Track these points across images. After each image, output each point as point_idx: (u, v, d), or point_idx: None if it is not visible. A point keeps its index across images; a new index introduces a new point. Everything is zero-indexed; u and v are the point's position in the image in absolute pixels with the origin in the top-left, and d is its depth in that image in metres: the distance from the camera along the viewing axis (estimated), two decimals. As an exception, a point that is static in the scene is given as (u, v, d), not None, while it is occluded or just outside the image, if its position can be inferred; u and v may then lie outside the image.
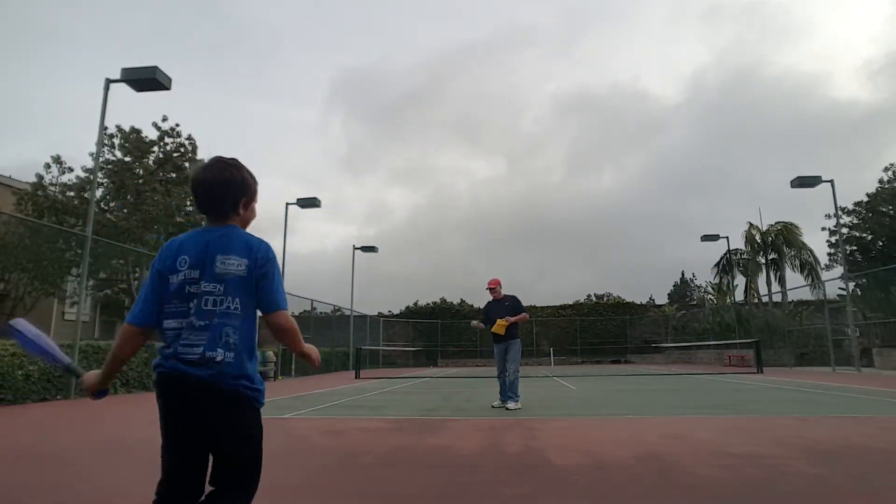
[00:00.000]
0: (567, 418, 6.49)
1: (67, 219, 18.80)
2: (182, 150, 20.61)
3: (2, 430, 6.00)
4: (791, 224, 29.50)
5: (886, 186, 29.54)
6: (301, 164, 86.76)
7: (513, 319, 7.66)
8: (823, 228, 31.75)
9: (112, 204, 20.14)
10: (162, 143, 20.31)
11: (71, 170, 19.96)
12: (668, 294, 51.09)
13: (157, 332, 1.71)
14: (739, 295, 30.98)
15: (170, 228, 19.61)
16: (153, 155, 20.25)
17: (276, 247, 1.77)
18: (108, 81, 10.86)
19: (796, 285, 28.22)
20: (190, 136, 20.79)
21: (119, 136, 19.76)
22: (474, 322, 8.41)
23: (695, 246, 36.09)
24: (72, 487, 3.27)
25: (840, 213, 26.08)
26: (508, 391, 7.48)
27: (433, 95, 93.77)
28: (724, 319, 27.45)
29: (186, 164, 20.67)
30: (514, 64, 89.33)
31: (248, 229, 1.82)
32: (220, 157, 1.79)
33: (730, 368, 20.89)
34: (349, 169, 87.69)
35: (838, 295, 21.25)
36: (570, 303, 36.82)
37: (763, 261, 30.11)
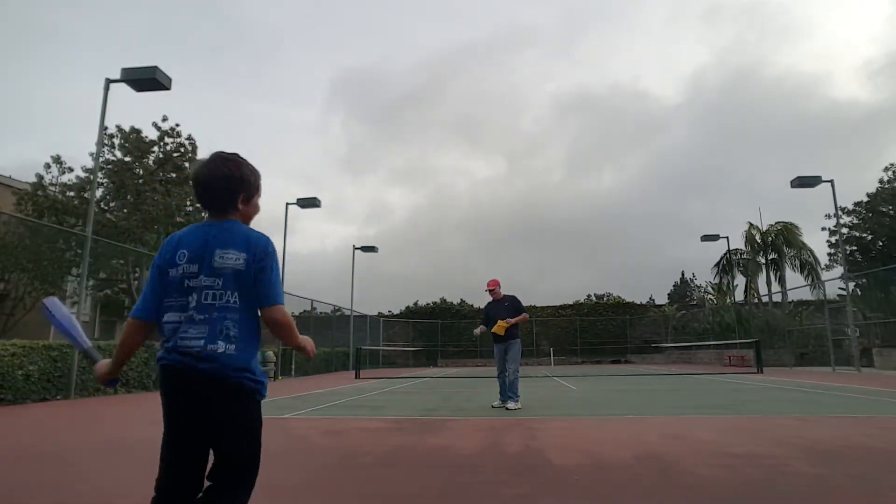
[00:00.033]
0: (567, 418, 6.49)
1: (67, 219, 18.81)
2: (182, 150, 20.63)
3: (2, 430, 6.00)
4: (791, 224, 29.51)
5: (886, 186, 29.54)
6: (301, 164, 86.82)
7: (513, 321, 7.66)
8: (823, 228, 31.80)
9: (112, 204, 20.15)
10: (162, 143, 20.33)
11: (71, 170, 19.99)
12: (668, 294, 51.13)
13: (157, 326, 1.73)
14: (739, 295, 31.03)
15: (170, 228, 19.62)
16: (153, 155, 20.27)
17: (277, 247, 1.76)
18: (108, 81, 10.87)
19: (796, 285, 28.26)
20: (190, 136, 20.83)
21: (119, 136, 19.78)
22: (476, 331, 8.33)
23: (695, 246, 36.13)
24: (72, 487, 3.27)
25: (840, 213, 26.11)
26: (508, 391, 7.48)
27: (433, 95, 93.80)
28: (724, 319, 27.44)
29: (186, 164, 20.68)
30: (514, 64, 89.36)
31: (252, 224, 1.83)
32: (220, 152, 1.80)
33: (730, 368, 20.88)
34: (349, 169, 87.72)
35: (838, 295, 21.27)
36: (570, 303, 36.81)
37: (763, 261, 30.11)
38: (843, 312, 18.97)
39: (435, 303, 37.46)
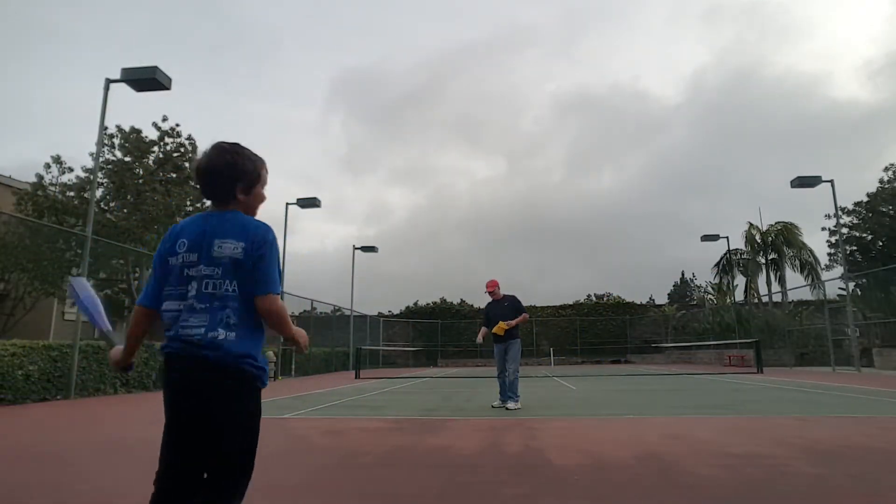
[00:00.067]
0: (567, 418, 6.49)
1: (67, 219, 18.81)
2: (182, 150, 20.62)
3: (2, 430, 6.00)
4: (791, 224, 29.50)
5: (886, 186, 29.53)
6: (301, 164, 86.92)
7: (513, 323, 7.66)
8: (823, 228, 31.78)
9: (112, 204, 20.15)
10: (162, 143, 20.32)
11: (71, 170, 19.99)
12: (668, 294, 51.13)
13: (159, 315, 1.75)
14: (739, 295, 31.02)
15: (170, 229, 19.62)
16: (153, 155, 20.26)
17: (277, 246, 1.76)
18: (108, 81, 10.86)
19: (796, 285, 28.25)
20: (190, 136, 20.82)
21: (119, 136, 19.77)
22: (479, 338, 8.25)
23: (695, 246, 36.12)
24: (72, 487, 3.27)
25: (840, 213, 26.09)
26: (508, 391, 7.48)
27: (433, 95, 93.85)
28: (724, 319, 27.43)
29: (186, 164, 20.68)
30: (514, 64, 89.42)
31: (258, 216, 1.84)
32: (221, 142, 1.81)
33: (730, 368, 20.88)
34: (349, 169, 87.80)
35: (838, 295, 21.25)
36: (570, 303, 36.79)
37: (763, 261, 30.10)
38: (843, 312, 18.96)
39: (435, 303, 37.44)
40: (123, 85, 10.83)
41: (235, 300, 1.65)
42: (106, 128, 15.27)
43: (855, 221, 30.40)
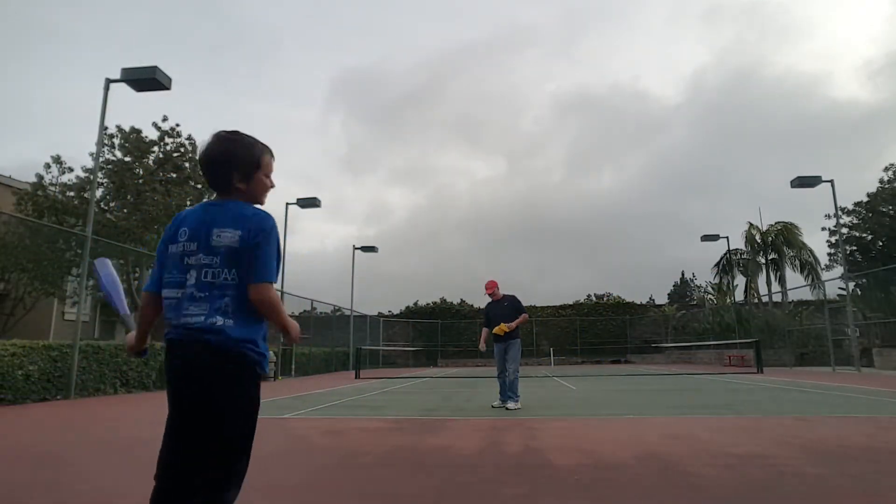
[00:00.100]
0: (567, 418, 6.49)
1: (67, 219, 18.80)
2: (182, 150, 20.60)
3: (2, 430, 6.00)
4: (791, 224, 29.50)
5: (886, 186, 29.54)
6: (301, 164, 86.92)
7: (514, 325, 7.66)
8: (823, 228, 31.80)
9: (112, 204, 20.14)
10: (162, 143, 20.30)
11: (71, 170, 19.97)
12: (668, 294, 51.15)
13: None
14: (739, 295, 31.02)
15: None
16: (153, 155, 20.24)
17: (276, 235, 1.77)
18: (108, 81, 10.86)
19: (796, 285, 28.26)
20: (190, 136, 20.80)
21: (119, 136, 19.76)
22: (482, 345, 8.17)
23: (695, 246, 36.15)
24: (72, 487, 3.27)
25: (840, 213, 26.11)
26: (508, 391, 7.48)
27: (433, 95, 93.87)
28: (724, 319, 27.44)
29: (186, 164, 20.68)
30: (514, 64, 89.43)
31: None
32: (220, 131, 1.82)
33: (730, 368, 20.88)
34: (349, 169, 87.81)
35: (838, 295, 21.25)
36: (570, 303, 36.79)
37: (763, 261, 30.10)
38: (843, 312, 18.96)
39: (435, 303, 37.44)
40: (123, 85, 10.83)
41: (234, 288, 1.65)
42: (106, 128, 15.27)
43: (855, 221, 30.41)
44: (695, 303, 42.68)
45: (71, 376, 9.45)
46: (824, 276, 28.31)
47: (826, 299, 21.45)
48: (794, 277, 28.89)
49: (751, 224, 30.45)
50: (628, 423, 6.03)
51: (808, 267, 28.46)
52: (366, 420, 6.63)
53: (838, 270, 28.84)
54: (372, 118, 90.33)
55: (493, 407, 7.60)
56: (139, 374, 11.22)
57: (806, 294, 26.77)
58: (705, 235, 25.42)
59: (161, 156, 20.29)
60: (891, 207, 29.02)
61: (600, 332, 34.76)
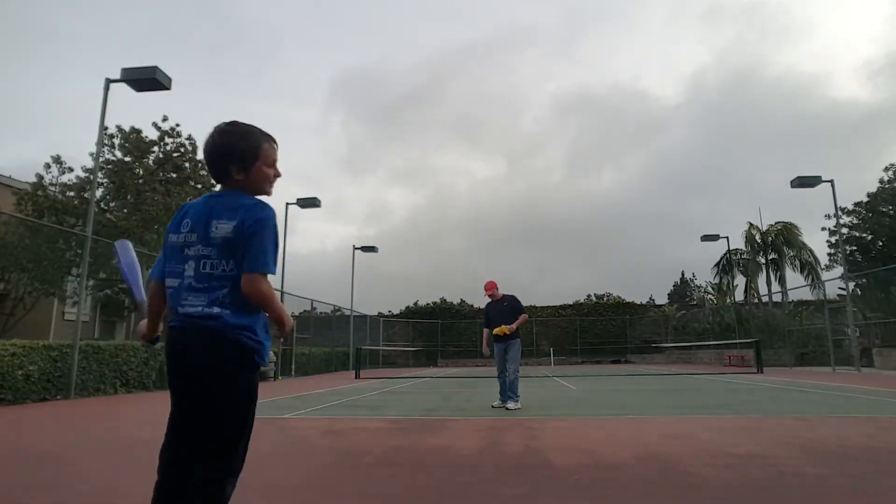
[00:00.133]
0: (567, 418, 6.49)
1: (67, 219, 18.80)
2: (182, 150, 20.62)
3: (2, 430, 6.00)
4: (791, 224, 29.51)
5: (886, 186, 29.55)
6: (301, 164, 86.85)
7: (514, 327, 7.65)
8: (823, 228, 31.82)
9: (112, 204, 20.15)
10: (162, 143, 20.32)
11: (71, 170, 19.98)
12: (668, 294, 51.16)
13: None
14: (739, 295, 31.02)
15: (170, 228, 19.61)
16: (153, 155, 20.26)
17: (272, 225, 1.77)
18: (108, 81, 10.85)
19: (796, 285, 28.26)
20: (190, 136, 20.82)
21: (119, 136, 19.77)
22: (484, 349, 8.12)
23: (695, 246, 36.14)
24: (72, 487, 3.27)
25: (840, 213, 26.12)
26: (508, 391, 7.48)
27: (433, 95, 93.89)
28: (724, 319, 27.43)
29: (186, 164, 20.68)
30: (514, 64, 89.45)
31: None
32: (220, 124, 1.83)
33: (730, 368, 20.88)
34: (349, 169, 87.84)
35: (838, 295, 21.25)
36: (570, 303, 36.79)
37: (763, 261, 30.10)
38: (843, 312, 18.96)
39: (435, 303, 37.44)
40: (123, 85, 10.83)
41: (233, 280, 1.66)
42: (106, 128, 15.27)
43: (855, 221, 30.42)
44: (695, 303, 42.69)
45: (71, 376, 9.45)
46: (824, 276, 28.35)
47: (826, 299, 21.45)
48: (794, 277, 28.94)
49: (751, 224, 30.48)
50: (628, 423, 6.03)
51: (808, 267, 28.47)
52: (366, 420, 6.62)
53: (838, 270, 28.88)
54: (372, 118, 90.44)
55: (493, 407, 7.60)
56: (139, 374, 11.22)
57: (806, 294, 26.81)
58: (705, 235, 25.42)
59: (161, 156, 20.30)
60: (891, 207, 29.02)
61: (600, 332, 34.75)
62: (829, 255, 31.77)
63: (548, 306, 36.33)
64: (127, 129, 19.82)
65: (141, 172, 19.79)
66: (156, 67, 10.76)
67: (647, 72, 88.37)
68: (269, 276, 1.72)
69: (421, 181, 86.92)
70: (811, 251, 28.82)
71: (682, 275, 52.80)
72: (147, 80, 10.78)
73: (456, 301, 37.98)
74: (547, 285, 72.46)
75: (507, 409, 7.31)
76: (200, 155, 22.24)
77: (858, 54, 75.77)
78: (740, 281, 31.48)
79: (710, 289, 39.63)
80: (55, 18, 76.59)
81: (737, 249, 30.40)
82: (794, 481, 3.18)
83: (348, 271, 25.92)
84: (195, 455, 1.63)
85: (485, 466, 3.74)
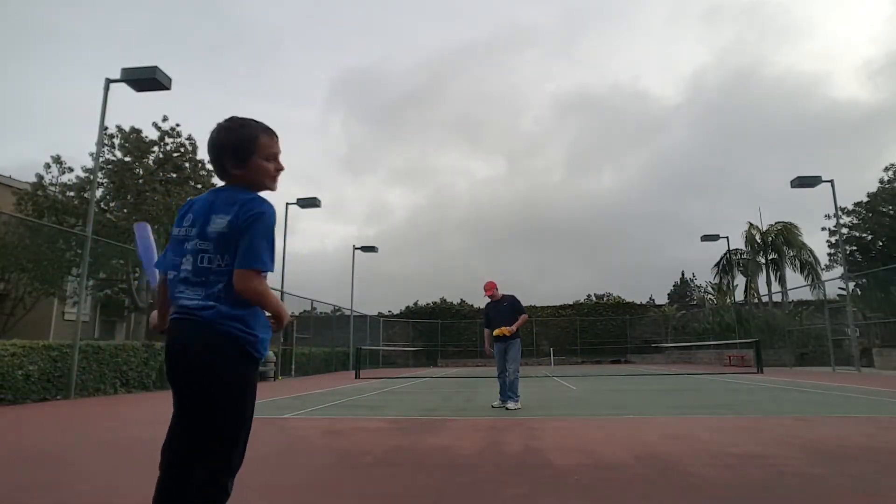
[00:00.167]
0: (567, 418, 6.49)
1: (67, 219, 18.81)
2: (182, 150, 20.62)
3: (2, 430, 6.00)
4: (791, 224, 29.52)
5: (886, 186, 29.54)
6: (301, 164, 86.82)
7: (514, 328, 7.65)
8: (823, 228, 31.81)
9: (112, 204, 20.15)
10: (162, 143, 20.32)
11: (71, 170, 19.99)
12: (668, 294, 51.17)
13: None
14: (739, 295, 31.03)
15: (170, 228, 19.61)
16: (153, 155, 20.26)
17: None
18: (108, 81, 10.85)
19: (796, 285, 28.27)
20: (190, 136, 20.82)
21: (119, 136, 19.77)
22: (487, 348, 8.12)
23: (695, 246, 36.16)
24: (72, 487, 3.27)
25: (840, 213, 26.13)
26: (508, 391, 7.48)
27: (433, 95, 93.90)
28: (724, 319, 27.43)
29: (186, 164, 20.68)
30: (514, 64, 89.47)
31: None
32: (223, 119, 1.82)
33: (730, 368, 20.88)
34: (349, 169, 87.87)
35: (838, 295, 21.26)
36: (570, 303, 36.79)
37: (763, 261, 30.11)
38: (843, 312, 18.96)
39: (435, 303, 37.44)
40: (123, 85, 10.83)
41: (229, 275, 1.65)
42: (106, 128, 15.27)
43: (855, 221, 30.41)
44: (695, 303, 42.69)
45: (71, 376, 9.45)
46: (824, 276, 28.36)
47: (826, 299, 21.45)
48: (794, 277, 28.95)
49: (751, 224, 30.49)
50: (628, 423, 6.03)
51: (808, 267, 28.47)
52: (366, 420, 6.62)
53: (838, 270, 28.87)
54: (372, 118, 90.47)
55: (493, 407, 7.60)
56: (139, 374, 11.21)
57: (806, 294, 26.82)
58: (705, 235, 25.42)
59: (161, 156, 20.30)
60: (891, 207, 29.02)
61: (600, 332, 34.75)
62: (829, 255, 31.81)
63: (548, 306, 36.33)
64: (127, 129, 19.83)
65: (141, 172, 19.79)
66: (156, 67, 10.76)
67: (647, 72, 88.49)
68: (269, 275, 1.71)
69: (421, 181, 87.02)
70: (811, 251, 28.86)
71: (682, 275, 52.88)
72: (147, 80, 10.78)
73: (456, 301, 38.00)
74: (547, 285, 72.54)
75: (507, 409, 7.31)
76: (200, 155, 22.22)
77: (858, 54, 75.87)
78: (740, 281, 31.55)
79: (710, 289, 39.67)
80: (55, 18, 76.65)
81: (737, 249, 30.43)
82: (794, 481, 3.18)
83: (348, 271, 25.96)
84: (195, 454, 1.63)
85: (485, 466, 3.74)
